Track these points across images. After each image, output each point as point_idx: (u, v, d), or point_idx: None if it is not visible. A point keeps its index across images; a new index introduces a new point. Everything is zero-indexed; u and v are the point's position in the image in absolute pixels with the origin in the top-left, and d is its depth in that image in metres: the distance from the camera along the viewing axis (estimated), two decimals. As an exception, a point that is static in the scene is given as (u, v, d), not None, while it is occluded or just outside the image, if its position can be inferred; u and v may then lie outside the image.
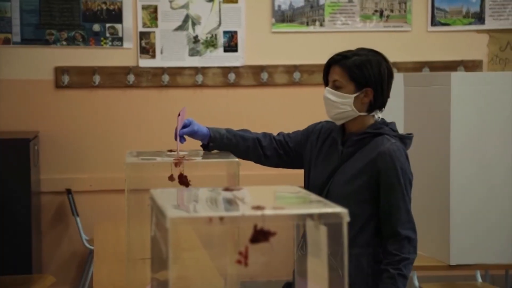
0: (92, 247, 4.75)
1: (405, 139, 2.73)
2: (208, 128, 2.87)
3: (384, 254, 2.64)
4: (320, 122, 2.93)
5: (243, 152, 2.89)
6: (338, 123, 2.77)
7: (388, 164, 2.63)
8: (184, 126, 2.83)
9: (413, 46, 5.56)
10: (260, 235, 1.55)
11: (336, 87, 2.70)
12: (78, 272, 5.31)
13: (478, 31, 5.62)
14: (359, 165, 2.67)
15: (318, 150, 2.82)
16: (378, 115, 2.75)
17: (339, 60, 2.72)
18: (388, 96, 2.76)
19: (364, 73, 2.68)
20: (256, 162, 2.97)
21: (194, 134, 2.83)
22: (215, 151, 2.85)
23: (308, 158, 2.85)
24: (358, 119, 2.72)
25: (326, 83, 2.77)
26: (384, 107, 2.76)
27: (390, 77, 2.75)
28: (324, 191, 2.70)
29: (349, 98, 2.68)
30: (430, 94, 3.82)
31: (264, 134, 2.98)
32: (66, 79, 5.25)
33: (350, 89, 2.68)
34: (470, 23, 5.62)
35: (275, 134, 3.00)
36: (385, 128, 2.72)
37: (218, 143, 2.86)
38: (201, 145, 2.88)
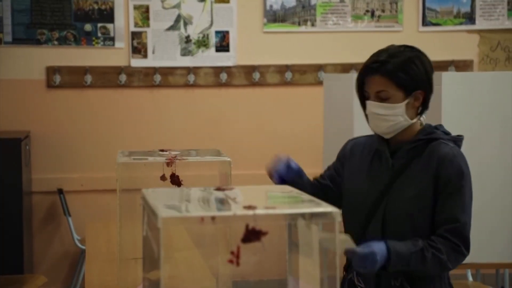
0: (83, 247, 4.74)
1: (459, 141, 2.49)
2: (297, 170, 2.60)
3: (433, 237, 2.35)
4: (347, 143, 2.66)
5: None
6: (388, 136, 2.46)
7: (453, 171, 2.36)
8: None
9: (404, 46, 5.56)
10: (252, 235, 1.56)
11: (382, 99, 2.40)
12: (69, 272, 5.30)
13: (468, 31, 5.64)
14: (419, 178, 2.39)
15: (358, 168, 2.54)
16: (423, 119, 2.49)
17: (377, 68, 2.40)
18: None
19: (411, 75, 2.40)
20: None
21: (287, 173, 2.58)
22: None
23: (346, 178, 2.57)
24: (407, 127, 2.44)
25: (362, 97, 2.48)
26: (427, 108, 2.48)
27: (433, 71, 2.48)
28: (379, 210, 2.41)
29: (400, 108, 2.39)
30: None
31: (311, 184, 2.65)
32: (57, 78, 5.25)
33: (399, 97, 2.40)
34: (461, 23, 5.64)
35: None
36: (437, 132, 2.46)
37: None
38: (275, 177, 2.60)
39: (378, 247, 2.26)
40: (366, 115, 2.49)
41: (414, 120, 2.44)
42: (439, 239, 2.33)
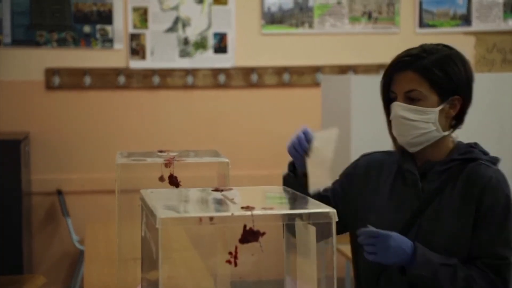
0: (83, 248, 4.75)
1: (497, 162, 2.09)
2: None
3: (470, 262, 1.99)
4: (360, 159, 2.24)
5: None
6: (414, 149, 2.06)
7: (497, 199, 1.98)
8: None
9: (401, 48, 5.56)
10: (250, 235, 1.57)
11: (412, 100, 2.01)
12: (69, 273, 5.31)
13: (465, 33, 5.66)
14: (457, 206, 2.00)
15: (375, 191, 2.12)
16: (455, 135, 2.10)
17: (410, 62, 2.03)
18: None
19: (450, 74, 2.01)
20: None
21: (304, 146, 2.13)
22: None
23: (361, 203, 2.15)
24: (438, 141, 2.05)
25: (387, 98, 2.09)
26: (463, 123, 2.09)
27: (473, 77, 2.10)
28: None
29: (433, 113, 2.00)
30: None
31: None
32: (56, 80, 5.26)
33: (433, 101, 2.01)
34: (457, 25, 5.67)
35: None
36: (475, 151, 2.07)
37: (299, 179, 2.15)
38: (287, 174, 2.23)
39: (400, 238, 1.91)
40: (389, 122, 2.09)
41: (447, 133, 2.05)
42: (475, 268, 1.97)
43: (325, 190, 2.23)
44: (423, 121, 2.00)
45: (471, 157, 2.05)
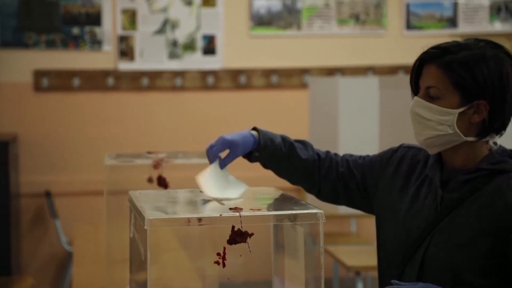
0: (71, 249, 4.75)
1: None
2: (256, 130, 2.03)
3: None
4: (399, 148, 2.02)
5: (292, 173, 2.06)
6: (432, 151, 1.87)
7: None
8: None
9: (388, 50, 5.62)
10: (238, 236, 1.58)
11: (431, 97, 1.82)
12: (57, 274, 5.31)
13: (451, 35, 5.70)
14: (474, 222, 1.78)
15: (401, 189, 1.95)
16: (494, 140, 1.85)
17: (436, 56, 1.84)
18: None
19: (477, 76, 1.78)
20: (308, 191, 2.13)
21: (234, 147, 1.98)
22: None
23: (384, 198, 1.98)
24: (464, 147, 1.83)
25: (415, 91, 1.90)
26: (504, 129, 1.84)
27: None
28: (417, 256, 1.85)
29: (451, 115, 1.79)
30: (405, 97, 3.86)
31: (327, 154, 2.08)
32: (45, 82, 5.26)
33: (453, 101, 1.80)
34: (443, 27, 5.70)
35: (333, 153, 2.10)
36: (510, 162, 1.81)
37: (268, 154, 2.01)
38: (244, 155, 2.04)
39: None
40: None
41: (472, 139, 1.81)
42: None
43: (343, 159, 2.06)
44: (439, 122, 1.80)
45: (502, 168, 1.80)
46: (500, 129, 1.83)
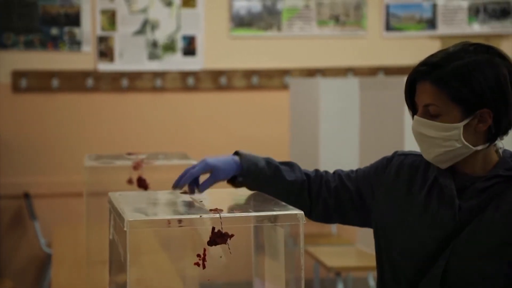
0: (50, 251, 4.73)
1: None
2: (238, 154, 1.95)
3: None
4: (394, 156, 1.96)
5: (280, 196, 1.86)
6: (444, 166, 1.80)
7: None
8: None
9: (368, 51, 5.64)
10: (218, 237, 1.58)
11: (432, 116, 1.77)
12: (36, 276, 5.28)
13: (430, 37, 5.73)
14: (499, 230, 1.73)
15: (405, 199, 1.87)
16: (500, 144, 1.83)
17: (428, 72, 1.78)
18: None
19: (474, 87, 1.73)
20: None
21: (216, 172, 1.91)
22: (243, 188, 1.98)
23: (385, 208, 1.90)
24: (474, 155, 1.79)
25: (412, 110, 1.85)
26: (507, 132, 1.81)
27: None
28: (437, 269, 1.77)
29: (456, 129, 1.74)
30: (385, 98, 3.89)
31: (316, 173, 2.01)
32: (24, 82, 5.22)
33: (455, 115, 1.74)
34: (423, 29, 5.73)
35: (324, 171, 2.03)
36: None
37: (252, 178, 1.94)
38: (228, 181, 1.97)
39: None
40: None
41: (480, 148, 1.77)
42: None
43: (334, 176, 2.00)
44: (445, 139, 1.74)
45: None
46: (507, 129, 1.80)
